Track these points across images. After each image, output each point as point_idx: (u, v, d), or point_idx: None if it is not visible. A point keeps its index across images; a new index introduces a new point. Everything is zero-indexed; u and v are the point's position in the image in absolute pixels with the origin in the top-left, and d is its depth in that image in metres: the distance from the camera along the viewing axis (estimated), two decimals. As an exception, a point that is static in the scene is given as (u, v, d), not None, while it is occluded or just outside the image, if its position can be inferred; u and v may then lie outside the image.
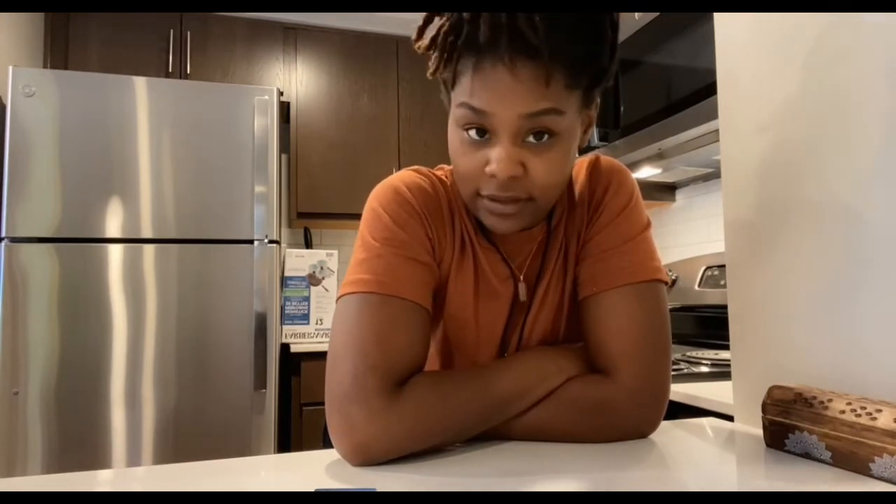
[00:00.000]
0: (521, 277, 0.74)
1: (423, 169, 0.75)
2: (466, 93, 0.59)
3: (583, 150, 0.71)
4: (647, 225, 0.73)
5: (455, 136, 0.63)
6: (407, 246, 0.67)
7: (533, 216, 0.66)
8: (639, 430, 0.67)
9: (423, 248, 0.68)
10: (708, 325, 1.97)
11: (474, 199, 0.65)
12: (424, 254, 0.68)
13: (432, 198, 0.71)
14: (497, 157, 0.59)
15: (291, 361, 2.40)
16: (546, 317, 0.74)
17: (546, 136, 0.59)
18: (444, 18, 0.59)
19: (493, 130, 0.59)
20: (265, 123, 2.19)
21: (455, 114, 0.62)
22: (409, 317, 0.64)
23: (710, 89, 1.50)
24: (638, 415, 0.66)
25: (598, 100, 0.66)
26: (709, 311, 1.95)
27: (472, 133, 0.61)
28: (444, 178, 0.74)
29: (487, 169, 0.61)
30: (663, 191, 2.33)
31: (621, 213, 0.72)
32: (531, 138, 0.59)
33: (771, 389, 0.63)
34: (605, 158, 0.76)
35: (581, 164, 0.77)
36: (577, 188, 0.75)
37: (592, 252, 0.71)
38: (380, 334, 0.62)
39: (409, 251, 0.67)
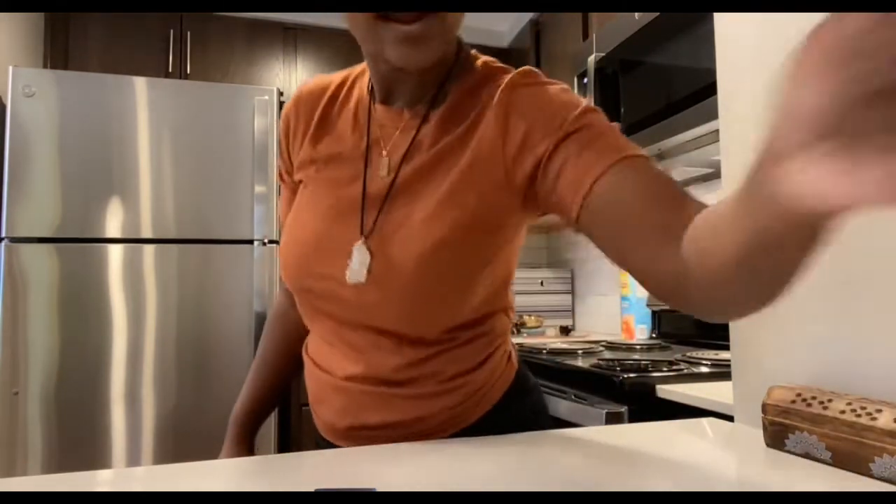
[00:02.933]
0: (385, 152, 0.68)
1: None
2: None
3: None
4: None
5: None
6: None
7: (443, 39, 0.60)
8: None
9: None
10: (708, 326, 1.97)
11: (376, 29, 0.59)
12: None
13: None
14: None
15: (291, 361, 2.40)
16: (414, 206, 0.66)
17: None
18: None
19: None
20: (265, 123, 2.19)
21: None
22: None
23: (710, 89, 1.50)
24: None
25: None
26: (709, 312, 1.95)
27: None
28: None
29: None
30: (663, 191, 2.32)
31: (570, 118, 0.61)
32: None
33: (771, 389, 0.63)
34: (523, 89, 0.66)
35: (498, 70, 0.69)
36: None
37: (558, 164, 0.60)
38: None
39: None
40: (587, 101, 0.63)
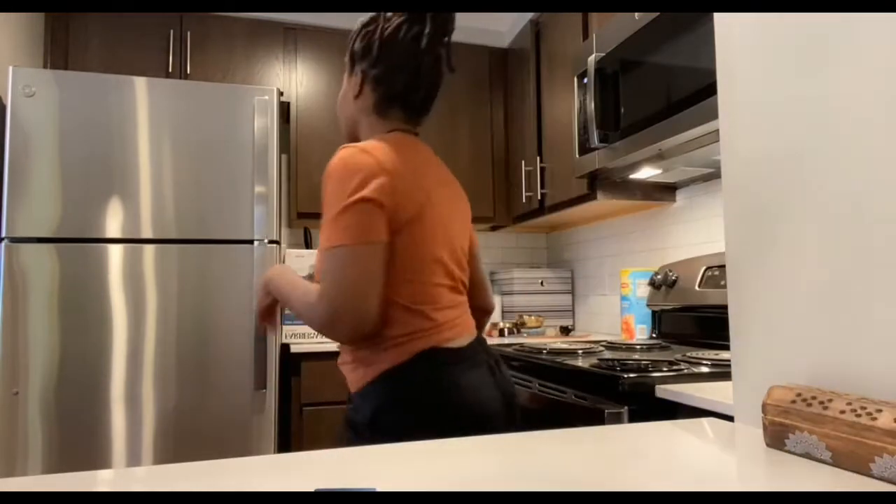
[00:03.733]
0: None
1: None
2: None
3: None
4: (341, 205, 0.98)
5: None
6: None
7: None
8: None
9: None
10: (708, 325, 1.97)
11: None
12: None
13: None
14: None
15: (291, 361, 2.40)
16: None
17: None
18: None
19: None
20: (265, 123, 2.19)
21: None
22: None
23: (710, 89, 1.50)
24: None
25: (361, 72, 1.08)
26: (709, 312, 1.96)
27: None
28: None
29: None
30: (663, 191, 2.33)
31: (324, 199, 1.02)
32: None
33: (771, 389, 0.63)
34: (344, 152, 1.01)
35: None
36: None
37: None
38: None
39: None
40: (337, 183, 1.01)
